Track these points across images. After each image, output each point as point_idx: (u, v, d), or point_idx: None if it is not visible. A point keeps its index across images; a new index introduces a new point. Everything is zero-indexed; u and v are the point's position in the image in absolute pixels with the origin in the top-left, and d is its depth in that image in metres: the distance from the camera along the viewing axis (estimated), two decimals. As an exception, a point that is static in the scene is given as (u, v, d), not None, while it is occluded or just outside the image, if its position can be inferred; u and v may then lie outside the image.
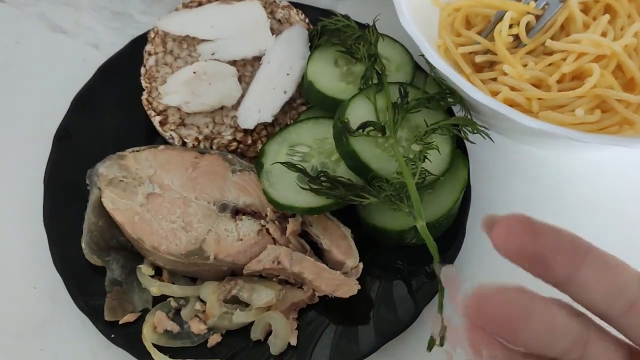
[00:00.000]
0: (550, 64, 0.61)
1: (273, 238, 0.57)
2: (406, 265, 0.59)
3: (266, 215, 0.58)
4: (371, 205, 0.59)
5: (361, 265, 0.56)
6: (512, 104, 0.61)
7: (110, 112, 0.66)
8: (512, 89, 0.61)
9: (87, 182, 0.59)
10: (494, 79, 0.64)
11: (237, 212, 0.58)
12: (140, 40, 0.69)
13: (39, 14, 0.76)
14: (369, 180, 0.56)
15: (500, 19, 0.64)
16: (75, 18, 0.77)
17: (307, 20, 0.71)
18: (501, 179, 0.66)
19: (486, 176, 0.66)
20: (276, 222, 0.58)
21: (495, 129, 0.62)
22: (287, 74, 0.66)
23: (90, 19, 0.77)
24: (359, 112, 0.57)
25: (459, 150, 0.60)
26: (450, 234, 0.59)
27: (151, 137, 0.65)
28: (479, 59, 0.65)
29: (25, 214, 0.63)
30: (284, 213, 0.58)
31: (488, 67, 0.66)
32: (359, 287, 0.55)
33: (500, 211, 0.62)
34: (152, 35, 0.68)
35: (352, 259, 0.56)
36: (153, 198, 0.58)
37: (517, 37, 0.64)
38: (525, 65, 0.62)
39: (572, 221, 0.65)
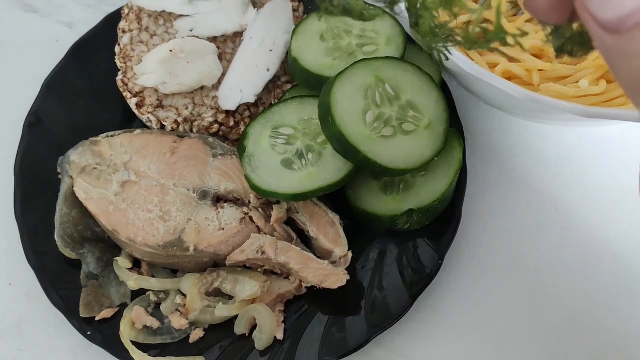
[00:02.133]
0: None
1: (257, 226, 0.54)
2: (398, 253, 0.55)
3: (249, 202, 0.55)
4: (361, 190, 0.56)
5: (350, 254, 0.53)
6: (511, 76, 0.57)
7: (84, 95, 0.63)
8: (511, 60, 0.57)
9: (59, 170, 0.56)
10: (492, 50, 0.59)
11: (218, 200, 0.55)
12: (115, 18, 0.65)
13: (9, -8, 0.72)
14: (358, 164, 0.52)
15: (497, -16, 0.60)
16: (47, -4, 0.72)
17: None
18: (500, 156, 0.63)
19: (484, 154, 0.62)
20: (260, 209, 0.55)
21: (494, 104, 0.58)
22: (270, 50, 0.62)
23: (63, -4, 0.72)
24: (346, 90, 0.53)
25: (454, 128, 0.56)
26: (445, 218, 0.56)
27: (128, 121, 0.62)
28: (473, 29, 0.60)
29: (-3, 206, 0.59)
30: (268, 200, 0.55)
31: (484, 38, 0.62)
32: (348, 277, 0.52)
33: (499, 193, 0.61)
34: (126, 11, 0.64)
35: (340, 248, 0.53)
36: (129, 186, 0.55)
37: (516, 5, 0.60)
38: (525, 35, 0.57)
39: (577, 200, 0.62)
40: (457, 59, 0.51)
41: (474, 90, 0.58)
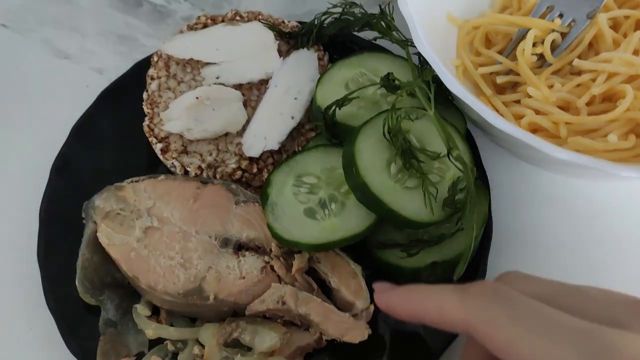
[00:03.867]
0: (578, 85, 0.57)
1: (278, 276, 0.53)
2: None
3: (271, 250, 0.54)
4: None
5: (372, 308, 0.52)
6: (537, 129, 0.57)
7: (111, 140, 0.63)
8: (537, 112, 0.57)
9: (83, 215, 0.56)
10: (517, 102, 0.59)
11: (240, 247, 0.55)
12: (144, 64, 0.66)
13: (43, 39, 0.74)
14: (382, 215, 0.51)
15: (522, 37, 0.60)
16: (81, 43, 0.74)
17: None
18: (526, 209, 0.61)
19: (509, 206, 0.61)
20: (281, 258, 0.54)
21: (521, 156, 0.57)
22: (295, 98, 0.63)
23: (96, 44, 0.74)
24: (371, 140, 0.53)
25: (479, 180, 0.55)
26: (470, 272, 0.54)
27: (153, 166, 0.62)
28: (500, 79, 0.60)
29: (20, 249, 0.60)
30: (290, 249, 0.54)
31: (510, 89, 0.62)
32: (369, 331, 0.50)
33: (526, 247, 0.59)
34: (155, 58, 0.65)
35: (362, 300, 0.52)
36: (151, 232, 0.55)
37: (541, 56, 0.60)
38: (551, 87, 0.57)
39: (606, 255, 0.60)
40: (482, 111, 0.51)
41: (499, 141, 0.57)
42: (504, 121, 0.49)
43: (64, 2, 0.76)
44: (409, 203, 0.51)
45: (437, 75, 0.52)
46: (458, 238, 0.53)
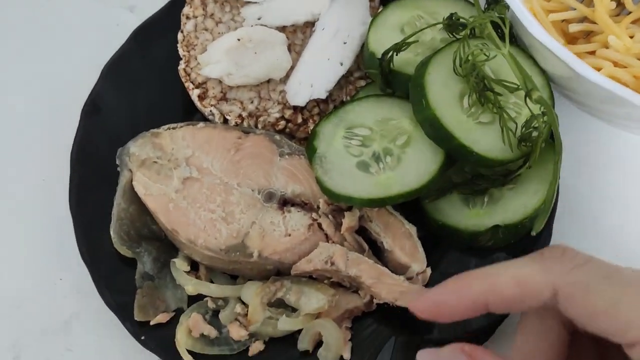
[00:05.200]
0: (663, 36, 0.51)
1: (326, 234, 0.50)
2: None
3: (318, 207, 0.51)
4: (441, 201, 0.51)
5: (429, 271, 0.49)
6: (615, 83, 0.52)
7: (144, 83, 0.59)
8: (616, 64, 0.51)
9: (117, 162, 0.53)
10: (592, 53, 0.53)
11: (285, 203, 0.51)
12: (179, 2, 0.61)
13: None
14: (451, 151, 0.48)
15: (600, -19, 0.54)
16: (110, -22, 0.69)
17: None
18: (594, 170, 0.57)
19: (575, 166, 0.57)
20: (330, 216, 0.50)
21: (597, 112, 0.52)
22: (345, 43, 0.57)
23: (126, -21, 0.69)
24: (442, 71, 0.49)
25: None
26: (533, 237, 0.50)
27: (189, 113, 0.58)
28: (574, 27, 0.55)
29: (50, 196, 0.57)
30: (339, 205, 0.51)
31: (583, 38, 0.56)
32: (426, 296, 0.47)
33: (592, 211, 0.55)
34: (191, -5, 0.60)
35: (418, 263, 0.48)
36: (190, 183, 0.51)
37: (620, 3, 0.54)
38: (631, 37, 0.51)
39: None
40: (560, 51, 0.46)
41: (571, 90, 0.52)
42: (584, 64, 0.44)
43: None
44: (483, 138, 0.47)
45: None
46: (524, 200, 0.49)
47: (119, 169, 0.53)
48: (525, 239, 0.50)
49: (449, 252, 0.52)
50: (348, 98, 0.57)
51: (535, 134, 0.47)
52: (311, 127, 0.55)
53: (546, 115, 0.46)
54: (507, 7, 0.50)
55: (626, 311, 0.31)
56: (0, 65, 0.64)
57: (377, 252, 0.51)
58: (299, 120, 0.56)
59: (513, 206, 0.49)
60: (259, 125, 0.56)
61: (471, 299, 0.35)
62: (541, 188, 0.49)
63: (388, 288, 0.47)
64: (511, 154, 0.48)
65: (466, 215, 0.50)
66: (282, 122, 0.56)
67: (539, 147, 0.47)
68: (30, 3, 0.67)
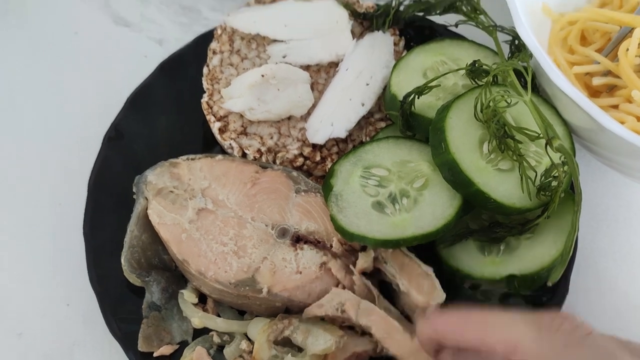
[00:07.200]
0: (688, 93, 0.50)
1: (336, 277, 0.49)
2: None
3: (331, 246, 0.50)
4: (456, 246, 0.50)
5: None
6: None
7: (167, 114, 0.60)
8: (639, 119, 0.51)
9: (134, 189, 0.53)
10: (615, 106, 0.53)
11: (298, 240, 0.50)
12: (207, 38, 0.62)
13: (102, 3, 0.71)
14: (469, 196, 0.48)
15: (624, 36, 0.54)
16: (141, 10, 0.71)
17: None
18: (613, 225, 0.55)
19: (594, 220, 0.55)
20: (342, 257, 0.49)
21: (614, 162, 0.51)
22: (367, 84, 0.58)
23: (157, 13, 0.71)
24: (463, 116, 0.49)
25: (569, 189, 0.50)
26: (549, 289, 0.49)
27: (209, 145, 0.59)
28: (597, 81, 0.55)
29: (66, 220, 0.57)
30: (352, 245, 0.50)
31: (607, 92, 0.56)
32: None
33: (610, 267, 0.53)
34: (219, 32, 0.62)
35: (437, 300, 0.47)
36: (204, 214, 0.51)
37: (644, 59, 0.54)
38: (656, 92, 0.51)
39: None
40: (584, 103, 0.45)
41: (593, 143, 0.51)
42: (608, 117, 0.44)
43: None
44: (501, 185, 0.47)
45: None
46: (541, 250, 0.48)
47: (135, 196, 0.53)
48: (541, 291, 0.49)
49: (460, 296, 0.50)
50: (368, 139, 0.57)
51: (554, 183, 0.47)
52: (329, 166, 0.55)
53: (566, 165, 0.46)
54: (531, 55, 0.50)
55: None
56: (29, 91, 0.65)
57: (391, 292, 0.50)
58: (318, 158, 0.56)
59: (530, 256, 0.48)
60: (277, 161, 0.56)
61: (462, 341, 0.37)
62: (559, 239, 0.48)
63: (397, 344, 0.46)
64: (530, 203, 0.47)
65: (481, 263, 0.49)
66: (301, 159, 0.55)
67: (559, 197, 0.46)
68: (61, 31, 0.69)
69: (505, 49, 0.56)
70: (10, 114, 0.64)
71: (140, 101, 0.60)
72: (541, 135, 0.46)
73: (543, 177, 0.47)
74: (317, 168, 0.56)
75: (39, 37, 0.68)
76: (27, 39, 0.68)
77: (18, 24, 0.69)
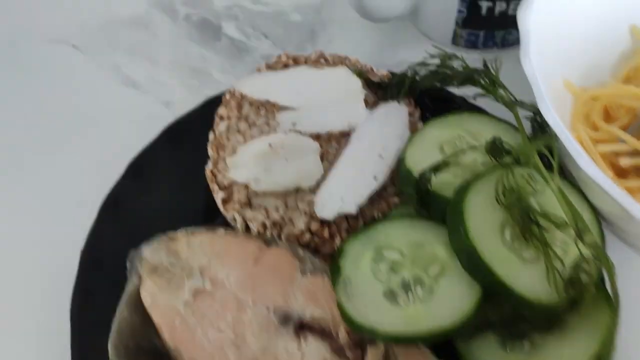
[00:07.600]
0: None
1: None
2: None
3: (337, 335, 0.46)
4: (476, 342, 0.46)
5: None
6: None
7: (169, 181, 0.57)
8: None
9: (128, 265, 0.49)
10: (650, 191, 0.49)
11: (301, 327, 0.46)
12: (215, 102, 0.60)
13: (112, 64, 0.70)
14: (488, 288, 0.43)
15: (653, 113, 0.51)
16: (151, 72, 0.70)
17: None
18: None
19: (634, 323, 0.50)
20: (349, 349, 0.45)
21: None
22: (380, 156, 0.55)
23: (166, 75, 0.69)
24: (484, 199, 0.45)
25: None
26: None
27: (211, 215, 0.56)
28: (624, 162, 0.51)
29: (51, 297, 0.53)
30: (361, 337, 0.45)
31: (634, 173, 0.52)
32: None
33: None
34: (227, 96, 0.59)
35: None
36: (201, 297, 0.47)
37: (676, 139, 0.50)
38: (691, 176, 0.47)
39: None
40: (612, 189, 0.42)
41: (623, 230, 0.47)
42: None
43: (141, 28, 0.72)
44: (525, 277, 0.43)
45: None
46: (570, 351, 0.44)
47: (127, 272, 0.49)
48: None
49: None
50: (380, 215, 0.53)
51: (584, 277, 0.42)
52: (338, 243, 0.51)
53: (598, 260, 0.42)
54: (555, 136, 0.47)
55: None
56: (25, 151, 0.63)
57: (400, 393, 0.45)
58: (326, 234, 0.52)
59: (557, 357, 0.44)
60: (283, 236, 0.52)
61: None
62: (592, 341, 0.43)
63: None
64: (557, 298, 0.43)
65: (505, 362, 0.45)
66: (307, 235, 0.52)
67: (590, 293, 0.42)
68: (66, 89, 0.67)
69: (526, 124, 0.53)
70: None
71: (141, 167, 0.57)
72: (569, 225, 0.43)
73: (571, 270, 0.42)
74: (325, 245, 0.52)
75: (45, 94, 0.67)
76: (29, 95, 0.67)
77: (24, 81, 0.68)
